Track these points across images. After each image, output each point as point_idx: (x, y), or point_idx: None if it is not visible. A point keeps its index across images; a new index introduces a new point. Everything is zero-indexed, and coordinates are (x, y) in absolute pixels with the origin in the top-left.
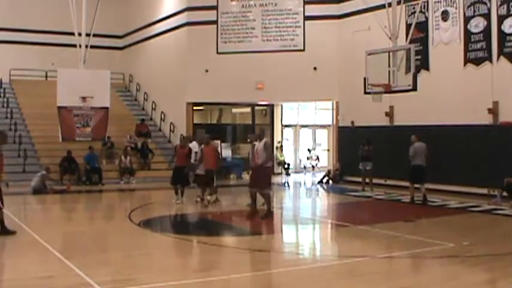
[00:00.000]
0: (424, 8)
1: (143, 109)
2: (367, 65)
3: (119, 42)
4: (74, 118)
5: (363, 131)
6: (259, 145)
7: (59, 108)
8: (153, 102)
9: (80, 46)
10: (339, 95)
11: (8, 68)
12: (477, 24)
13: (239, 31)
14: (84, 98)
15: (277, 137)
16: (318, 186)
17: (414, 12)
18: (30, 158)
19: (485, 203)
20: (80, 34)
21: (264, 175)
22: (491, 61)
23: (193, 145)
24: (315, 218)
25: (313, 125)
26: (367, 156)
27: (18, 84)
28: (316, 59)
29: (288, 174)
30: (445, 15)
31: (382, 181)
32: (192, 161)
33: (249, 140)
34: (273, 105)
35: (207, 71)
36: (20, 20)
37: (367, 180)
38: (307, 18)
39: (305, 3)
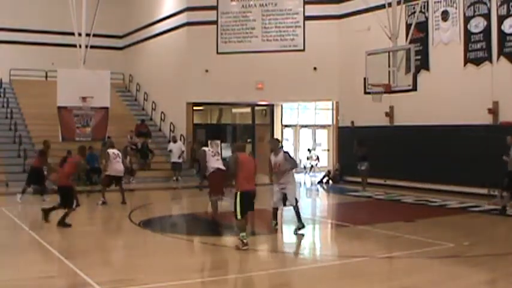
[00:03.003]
0: (424, 8)
1: (143, 109)
2: (367, 65)
3: (119, 42)
4: (74, 118)
5: (363, 131)
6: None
7: (59, 108)
8: (153, 102)
9: (80, 46)
10: (339, 95)
11: (8, 68)
12: (477, 24)
13: (239, 31)
14: (84, 98)
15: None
16: (318, 186)
17: (414, 12)
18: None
19: (485, 203)
20: (80, 34)
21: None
22: (491, 61)
23: (179, 145)
24: (315, 218)
25: (313, 125)
26: (361, 157)
27: (18, 84)
28: (316, 59)
29: None
30: (445, 15)
31: (382, 181)
32: (179, 159)
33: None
34: (273, 105)
35: (207, 71)
36: (20, 20)
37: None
38: (307, 18)
39: (305, 3)
